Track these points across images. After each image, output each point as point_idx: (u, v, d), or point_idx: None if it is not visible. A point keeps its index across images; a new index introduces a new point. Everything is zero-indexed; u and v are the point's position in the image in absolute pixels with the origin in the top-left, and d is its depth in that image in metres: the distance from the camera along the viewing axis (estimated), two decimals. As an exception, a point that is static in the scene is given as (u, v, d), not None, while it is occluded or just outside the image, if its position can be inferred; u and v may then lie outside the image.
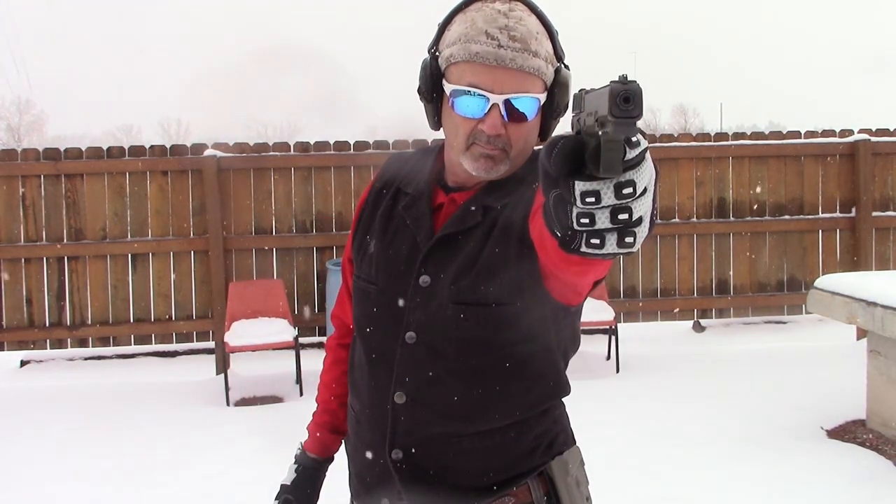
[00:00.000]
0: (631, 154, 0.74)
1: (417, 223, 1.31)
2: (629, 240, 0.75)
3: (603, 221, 0.74)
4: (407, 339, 1.27)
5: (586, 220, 0.75)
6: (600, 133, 0.74)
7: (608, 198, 0.74)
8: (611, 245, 0.75)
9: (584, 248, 0.76)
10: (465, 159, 1.24)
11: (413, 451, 1.28)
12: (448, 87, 1.24)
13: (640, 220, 0.76)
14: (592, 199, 0.74)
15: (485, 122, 1.21)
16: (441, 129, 1.31)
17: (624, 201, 0.74)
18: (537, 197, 1.08)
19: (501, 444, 1.27)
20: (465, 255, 1.25)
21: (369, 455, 1.33)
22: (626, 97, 0.73)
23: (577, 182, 0.74)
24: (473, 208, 1.27)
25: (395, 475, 1.28)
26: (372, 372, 1.32)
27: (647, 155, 0.76)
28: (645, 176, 0.75)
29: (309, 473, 1.51)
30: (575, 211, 0.75)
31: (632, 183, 0.74)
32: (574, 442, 1.37)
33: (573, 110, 0.86)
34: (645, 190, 0.75)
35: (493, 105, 1.20)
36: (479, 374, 1.25)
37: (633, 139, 0.74)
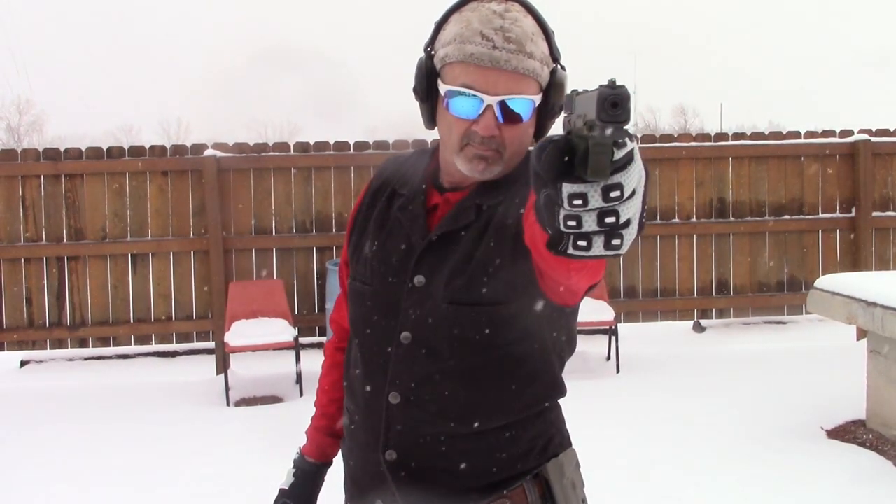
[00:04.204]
0: (618, 155, 0.74)
1: (412, 224, 1.31)
2: (616, 242, 0.75)
3: (590, 224, 0.74)
4: (402, 340, 1.27)
5: (573, 223, 0.75)
6: (588, 136, 0.74)
7: (595, 200, 0.74)
8: (598, 248, 0.75)
9: (570, 250, 0.76)
10: (459, 160, 1.24)
11: (407, 451, 1.27)
12: (443, 88, 1.24)
13: (627, 222, 0.76)
14: (580, 202, 0.74)
15: (479, 123, 1.21)
16: (436, 128, 1.31)
17: (611, 204, 0.74)
18: (531, 196, 1.08)
19: (496, 446, 1.27)
20: (460, 255, 1.25)
21: (363, 456, 1.32)
22: (614, 102, 0.73)
23: (564, 184, 0.74)
24: (467, 207, 1.27)
25: (390, 476, 1.28)
26: (367, 372, 1.32)
27: (637, 157, 0.76)
28: (633, 178, 0.75)
29: (307, 478, 1.50)
30: (562, 213, 0.75)
31: (619, 186, 0.74)
32: (570, 444, 1.36)
33: (564, 111, 0.86)
34: (633, 193, 0.75)
35: (487, 106, 1.20)
36: (474, 375, 1.25)
37: (620, 141, 0.74)
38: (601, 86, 0.75)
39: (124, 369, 6.04)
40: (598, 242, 0.75)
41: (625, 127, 0.74)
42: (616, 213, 0.74)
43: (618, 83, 0.75)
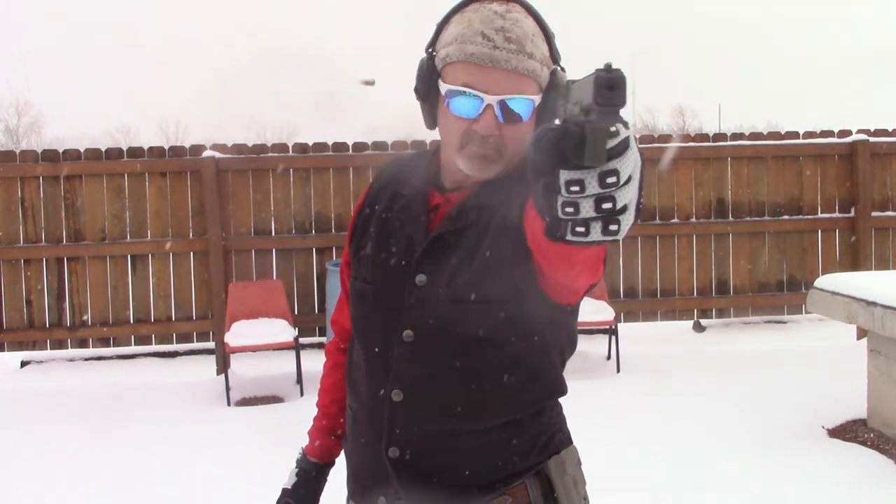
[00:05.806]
0: (613, 142, 0.74)
1: (413, 224, 1.31)
2: (613, 228, 0.76)
3: (587, 210, 0.75)
4: (404, 338, 1.27)
5: (571, 209, 0.76)
6: (585, 122, 0.75)
7: (592, 187, 0.74)
8: (595, 233, 0.76)
9: (569, 237, 0.77)
10: (460, 159, 1.25)
11: (410, 449, 1.28)
12: (443, 87, 1.24)
13: (624, 208, 0.76)
14: (577, 188, 0.75)
15: (479, 123, 1.22)
16: (436, 128, 1.31)
17: (607, 190, 0.75)
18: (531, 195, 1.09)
19: (498, 443, 1.27)
20: (461, 255, 1.25)
21: (366, 453, 1.33)
22: (610, 85, 0.73)
23: (561, 171, 0.75)
24: (468, 207, 1.28)
25: (392, 473, 1.28)
26: (369, 371, 1.33)
27: (633, 143, 0.76)
28: (629, 165, 0.76)
29: (309, 478, 1.51)
30: (560, 200, 0.76)
31: (615, 172, 0.74)
32: (571, 442, 1.37)
33: (559, 101, 0.86)
34: (629, 179, 0.76)
35: (487, 106, 1.21)
36: (476, 373, 1.25)
37: (612, 129, 0.75)
38: (597, 70, 0.75)
39: (124, 370, 6.05)
40: (596, 228, 0.76)
41: (621, 111, 0.75)
42: (613, 199, 0.75)
43: (614, 66, 0.75)
